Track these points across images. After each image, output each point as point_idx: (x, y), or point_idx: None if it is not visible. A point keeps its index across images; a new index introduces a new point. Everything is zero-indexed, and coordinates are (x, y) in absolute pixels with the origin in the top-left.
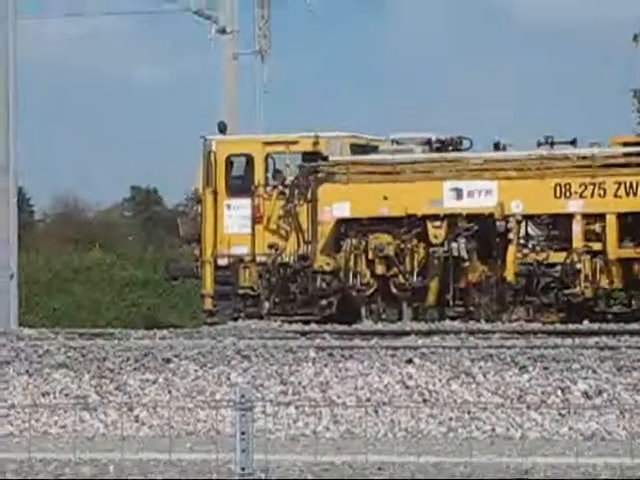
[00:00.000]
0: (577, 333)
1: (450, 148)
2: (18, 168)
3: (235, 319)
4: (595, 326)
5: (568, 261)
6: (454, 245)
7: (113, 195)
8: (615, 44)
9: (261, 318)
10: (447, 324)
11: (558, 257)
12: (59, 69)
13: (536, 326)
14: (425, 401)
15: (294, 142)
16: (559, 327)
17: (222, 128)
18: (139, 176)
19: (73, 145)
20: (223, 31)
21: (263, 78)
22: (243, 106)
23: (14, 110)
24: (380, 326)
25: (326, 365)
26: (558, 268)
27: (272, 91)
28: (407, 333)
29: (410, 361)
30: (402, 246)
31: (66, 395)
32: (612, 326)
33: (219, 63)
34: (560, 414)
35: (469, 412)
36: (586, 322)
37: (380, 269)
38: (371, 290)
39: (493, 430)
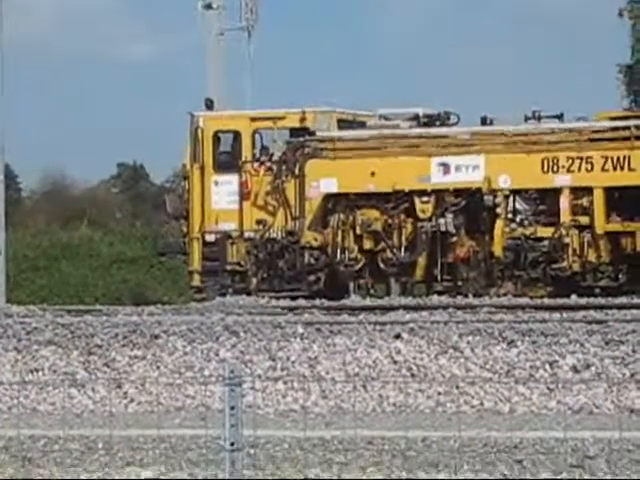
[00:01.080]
0: (565, 307)
1: (437, 123)
2: (5, 145)
3: (223, 295)
4: (583, 300)
5: (556, 235)
6: (442, 220)
7: (100, 172)
8: (603, 19)
9: (249, 294)
10: (435, 299)
11: (546, 231)
12: (45, 48)
13: (524, 301)
14: (413, 376)
15: (281, 118)
16: (547, 301)
17: (209, 104)
18: (126, 153)
19: (60, 122)
20: (209, 6)
21: (250, 54)
22: (230, 82)
23: (1, 89)
24: (368, 301)
25: (314, 341)
26: (546, 242)
27: (259, 67)
28: (395, 308)
29: (398, 336)
30: (390, 221)
31: (54, 372)
32: (600, 300)
33: (206, 39)
34: (548, 388)
35: (457, 387)
36: (574, 296)
37: (368, 244)
38: (359, 265)
39: (481, 404)
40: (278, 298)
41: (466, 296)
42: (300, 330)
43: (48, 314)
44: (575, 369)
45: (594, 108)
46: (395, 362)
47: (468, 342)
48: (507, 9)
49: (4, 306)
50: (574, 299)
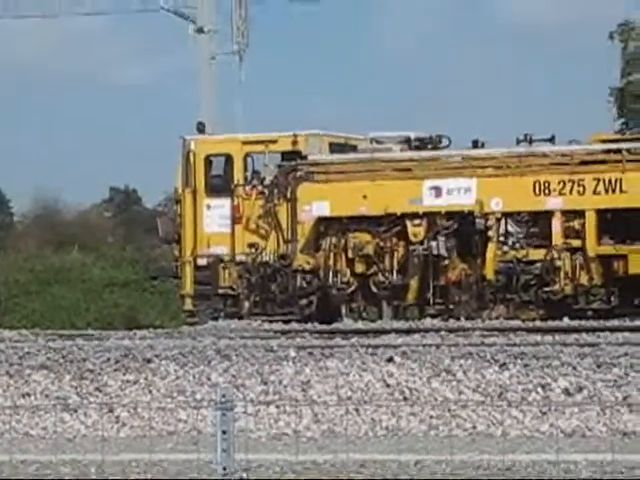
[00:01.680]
0: (557, 330)
1: (429, 146)
2: None
3: (215, 319)
4: (575, 323)
5: (548, 258)
6: (434, 243)
7: (92, 196)
8: (594, 42)
9: (241, 318)
10: (427, 322)
11: (538, 254)
12: (35, 70)
13: (516, 323)
14: (406, 399)
15: (273, 141)
16: (539, 324)
17: (201, 128)
18: (118, 177)
19: (52, 145)
20: (201, 30)
21: (241, 77)
22: (222, 105)
23: None
24: (360, 325)
25: (306, 364)
26: (538, 265)
27: (251, 90)
28: (387, 332)
29: (390, 359)
30: (382, 245)
31: (46, 396)
32: (592, 323)
33: (198, 62)
34: (541, 411)
35: (450, 410)
36: (566, 319)
37: (360, 268)
38: (351, 289)
39: (474, 428)
40: (270, 322)
41: (458, 319)
42: (292, 354)
43: (40, 338)
44: (567, 392)
45: (587, 131)
46: (388, 385)
47: (460, 365)
48: (498, 31)
49: None
50: (566, 322)
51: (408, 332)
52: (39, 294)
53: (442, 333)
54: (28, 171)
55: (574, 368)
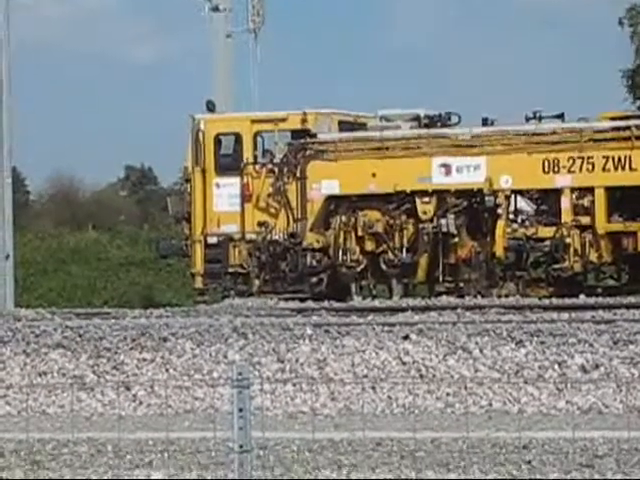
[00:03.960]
0: (573, 307)
1: (438, 124)
2: (12, 148)
3: (225, 297)
4: (591, 300)
5: (557, 235)
6: (443, 221)
7: (108, 175)
8: (606, 25)
9: (251, 296)
10: (443, 300)
11: (547, 232)
12: (52, 49)
13: (532, 301)
14: (422, 377)
15: (282, 120)
16: (555, 302)
17: (211, 107)
18: (134, 155)
19: (68, 125)
20: (216, 9)
21: (257, 56)
22: (237, 84)
23: (7, 91)
24: (376, 303)
25: (323, 342)
26: (547, 243)
27: (266, 69)
28: (403, 309)
29: (407, 337)
30: (391, 222)
31: (63, 375)
32: (608, 300)
33: (213, 41)
34: (557, 388)
35: (466, 387)
36: (582, 296)
37: (369, 246)
38: (361, 267)
39: (490, 405)
40: (287, 300)
41: (475, 297)
42: (309, 332)
43: (57, 317)
44: (584, 369)
45: (598, 112)
46: (404, 363)
47: (476, 343)
48: (512, 14)
49: (13, 310)
50: (582, 299)
51: (424, 310)
52: (55, 273)
53: (458, 310)
54: (44, 150)
55: (590, 345)
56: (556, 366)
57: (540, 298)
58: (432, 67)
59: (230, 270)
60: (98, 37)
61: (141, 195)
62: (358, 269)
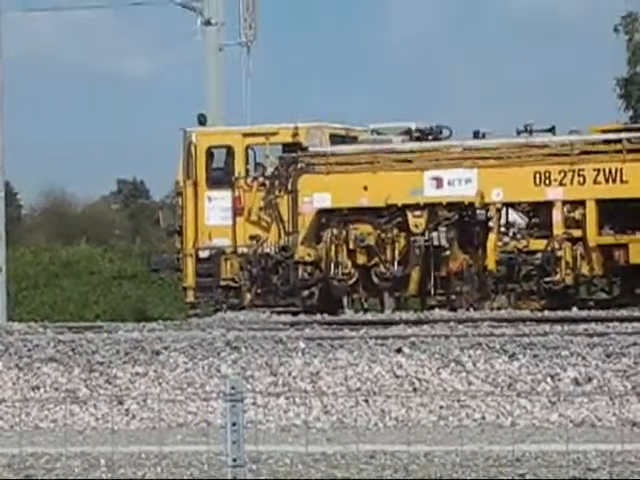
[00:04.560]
0: (566, 320)
1: (430, 137)
2: (4, 163)
3: (216, 311)
4: (584, 313)
5: (549, 248)
6: (435, 234)
7: (100, 188)
8: (601, 34)
9: (243, 309)
10: (436, 313)
11: (539, 244)
12: (45, 62)
13: (525, 314)
14: (415, 390)
15: (274, 133)
16: (548, 314)
17: (202, 120)
18: (126, 169)
19: (60, 138)
20: (208, 22)
21: (249, 69)
22: (230, 97)
23: (0, 104)
24: (369, 316)
25: (315, 356)
26: (539, 255)
27: (259, 81)
28: (396, 322)
29: (399, 350)
30: (383, 236)
31: (56, 389)
32: (600, 313)
33: (205, 54)
34: (550, 401)
35: (459, 400)
36: (575, 309)
37: (361, 259)
38: (352, 280)
39: (483, 418)
40: (279, 313)
41: (467, 310)
42: (302, 345)
43: (49, 331)
44: (577, 382)
45: (594, 122)
46: (397, 376)
47: (469, 356)
48: (504, 22)
49: (5, 324)
50: (575, 312)
51: (417, 323)
52: (48, 287)
53: (451, 324)
54: (36, 164)
55: (583, 358)
56: (549, 379)
57: (532, 311)
58: (425, 81)
59: (222, 284)
60: (91, 50)
61: (133, 209)
62: (350, 282)
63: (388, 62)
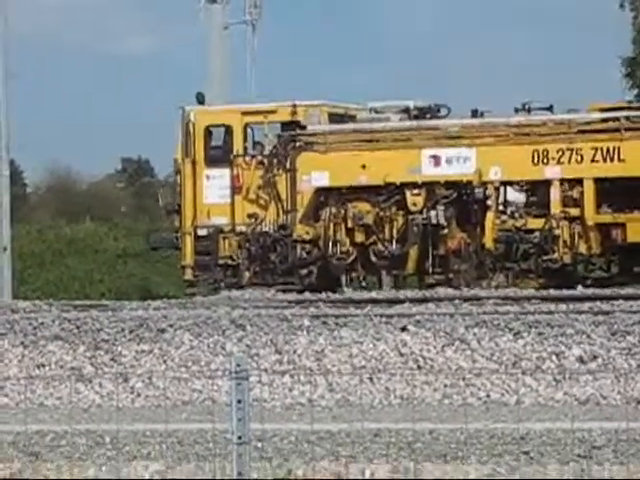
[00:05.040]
0: (571, 298)
1: (428, 116)
2: (9, 141)
3: (215, 289)
4: (589, 291)
5: (546, 227)
6: (433, 213)
7: (105, 167)
8: (605, 12)
9: (241, 288)
10: (441, 291)
11: (537, 223)
12: (47, 41)
13: (530, 292)
14: (420, 368)
15: (272, 111)
16: (553, 293)
17: (200, 99)
18: (130, 147)
19: (65, 117)
20: (213, 1)
21: (254, 48)
22: (235, 76)
23: (4, 83)
24: (374, 294)
25: (320, 334)
26: (537, 234)
27: (264, 60)
28: (401, 301)
29: (404, 328)
30: (381, 214)
31: (61, 367)
32: (606, 291)
33: (210, 33)
34: (555, 379)
35: (464, 379)
36: (580, 287)
37: (359, 237)
38: (351, 258)
39: (488, 396)
40: (284, 291)
41: (471, 288)
42: (306, 323)
43: (54, 309)
44: (582, 360)
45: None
46: (402, 354)
47: (474, 334)
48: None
49: (10, 302)
50: (580, 290)
51: (422, 301)
52: (53, 265)
53: (456, 302)
54: (41, 143)
55: (588, 336)
56: (554, 357)
57: (537, 289)
58: (432, 56)
59: (220, 262)
60: (95, 29)
61: (137, 187)
62: (348, 261)
63: (392, 43)
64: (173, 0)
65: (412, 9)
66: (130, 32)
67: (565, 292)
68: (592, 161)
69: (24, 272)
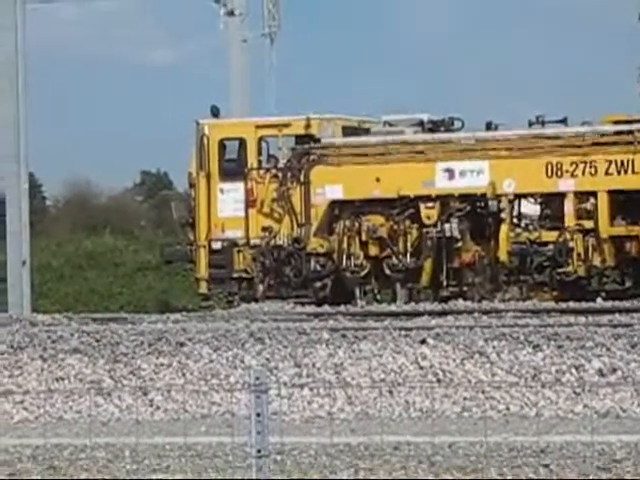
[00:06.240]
0: (590, 311)
1: (442, 129)
2: (29, 154)
3: (229, 302)
4: (608, 304)
5: (561, 240)
6: (447, 225)
7: (124, 180)
8: (623, 22)
9: (256, 301)
10: (460, 304)
11: (551, 236)
12: (68, 53)
13: (549, 305)
14: (439, 381)
15: (286, 125)
16: (572, 305)
17: (215, 112)
18: (150, 160)
19: (84, 129)
20: (231, 13)
21: (272, 60)
22: (253, 88)
23: (24, 96)
24: (393, 307)
25: (340, 347)
26: (551, 247)
27: (282, 73)
28: (420, 314)
29: (424, 341)
30: (395, 227)
31: (80, 380)
32: (625, 304)
33: (228, 46)
34: (575, 392)
35: (483, 392)
36: (599, 300)
37: (373, 250)
38: (365, 271)
39: (508, 409)
40: (303, 304)
41: (491, 301)
42: (325, 336)
43: (73, 322)
44: (601, 373)
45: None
46: (421, 367)
47: (494, 347)
48: (520, 10)
49: (30, 315)
50: (600, 302)
51: (441, 314)
52: (72, 278)
53: (475, 315)
54: (60, 155)
55: (608, 349)
56: (573, 370)
57: (557, 302)
58: (456, 67)
59: (234, 275)
60: (114, 41)
61: (157, 200)
62: (362, 274)
63: (410, 55)
64: (195, 13)
65: (431, 19)
66: (152, 44)
67: (584, 305)
68: (606, 174)
69: (43, 286)
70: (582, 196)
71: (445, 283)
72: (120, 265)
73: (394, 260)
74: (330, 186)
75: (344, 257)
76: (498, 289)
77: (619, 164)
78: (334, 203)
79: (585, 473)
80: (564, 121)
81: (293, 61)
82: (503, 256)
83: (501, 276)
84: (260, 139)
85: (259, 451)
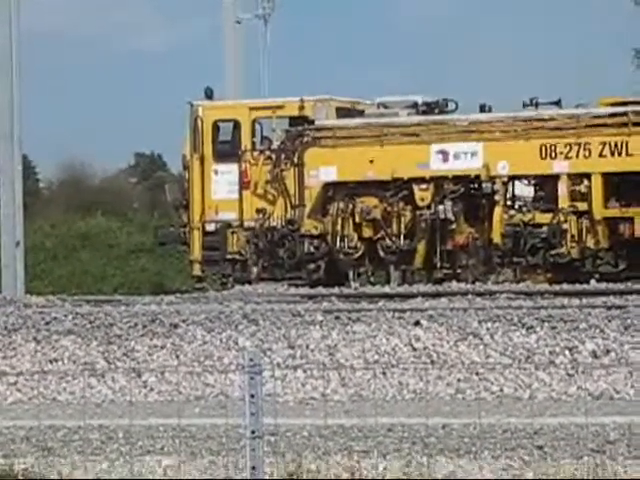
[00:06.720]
0: (584, 293)
1: (436, 111)
2: (22, 136)
3: (223, 284)
4: (602, 286)
5: (554, 222)
6: (441, 207)
7: (118, 162)
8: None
9: (249, 283)
10: (454, 286)
11: (544, 218)
12: (61, 36)
13: (543, 287)
14: (433, 363)
15: (280, 106)
16: (566, 287)
17: (209, 94)
18: (144, 142)
19: (78, 112)
20: None
21: (267, 42)
22: (248, 69)
23: (18, 79)
24: (387, 289)
25: (333, 328)
26: (545, 229)
27: (277, 54)
28: (414, 295)
29: (417, 323)
30: (389, 209)
31: (74, 362)
32: (619, 285)
33: (223, 27)
34: (568, 374)
35: (477, 373)
36: (593, 282)
37: (367, 232)
38: (358, 253)
39: (501, 391)
40: (297, 286)
41: (485, 283)
42: (319, 318)
43: (67, 304)
44: (595, 354)
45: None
46: (414, 349)
47: (487, 328)
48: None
49: (23, 297)
50: (593, 284)
51: (435, 296)
52: (66, 260)
53: (469, 297)
54: (53, 137)
55: (601, 330)
56: (567, 352)
57: (550, 283)
58: (443, 50)
59: (228, 257)
60: (108, 24)
61: (151, 182)
62: (356, 256)
63: (405, 37)
64: None
65: (429, 3)
66: (145, 27)
67: (578, 287)
68: (600, 156)
69: (37, 267)
70: (576, 178)
71: (439, 265)
72: (114, 247)
73: (388, 242)
74: (324, 168)
75: (338, 239)
76: (492, 271)
77: (613, 146)
78: (328, 185)
79: (579, 455)
80: (558, 103)
81: (288, 43)
82: (497, 238)
83: (495, 258)
84: (254, 121)
85: (253, 432)
